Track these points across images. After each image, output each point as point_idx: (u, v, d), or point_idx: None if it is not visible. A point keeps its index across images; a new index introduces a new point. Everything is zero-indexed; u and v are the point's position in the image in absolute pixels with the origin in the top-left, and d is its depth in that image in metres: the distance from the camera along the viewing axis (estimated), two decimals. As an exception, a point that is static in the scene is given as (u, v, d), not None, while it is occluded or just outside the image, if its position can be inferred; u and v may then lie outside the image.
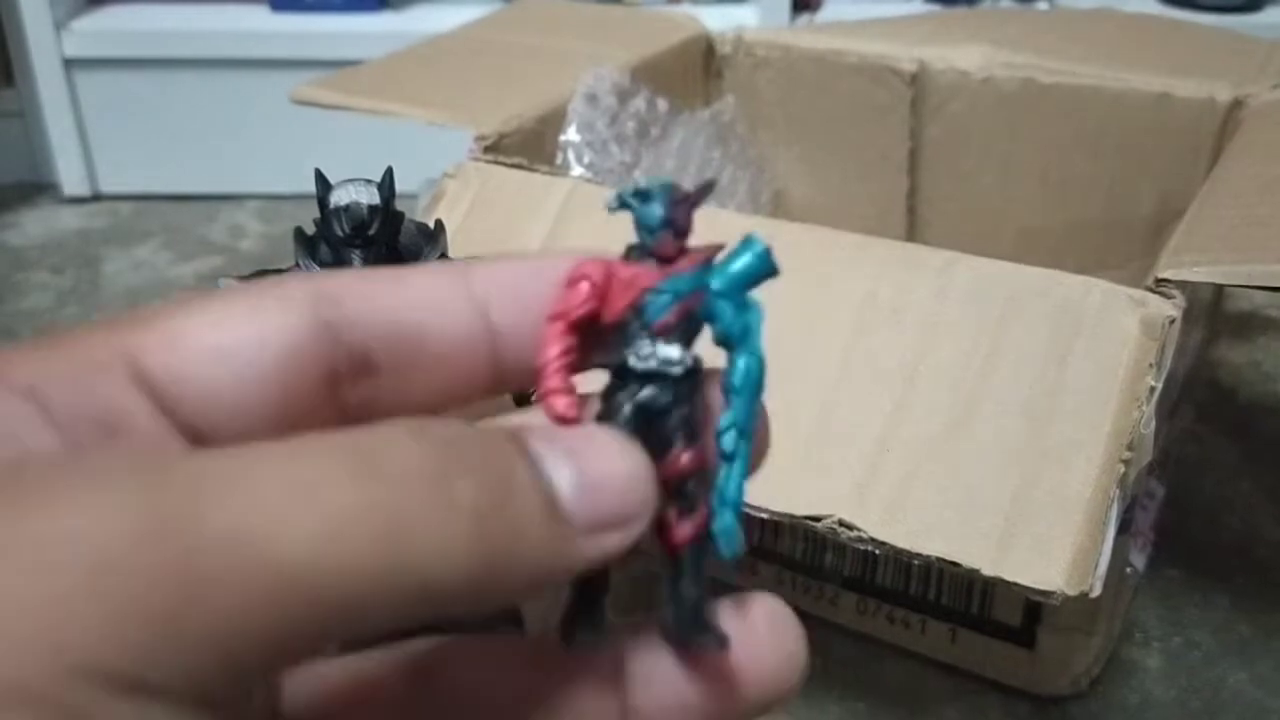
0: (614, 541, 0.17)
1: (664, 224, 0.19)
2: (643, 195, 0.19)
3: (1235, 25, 0.90)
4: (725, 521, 0.18)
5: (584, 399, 0.19)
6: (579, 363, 0.19)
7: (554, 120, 0.59)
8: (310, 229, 0.42)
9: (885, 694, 0.49)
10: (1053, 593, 0.38)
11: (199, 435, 0.18)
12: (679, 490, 0.18)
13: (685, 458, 0.18)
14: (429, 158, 0.55)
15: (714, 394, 0.19)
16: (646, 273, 0.19)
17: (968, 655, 0.49)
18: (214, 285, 0.43)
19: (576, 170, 0.59)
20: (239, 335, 0.18)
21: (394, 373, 0.19)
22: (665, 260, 0.19)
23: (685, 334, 0.19)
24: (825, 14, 0.94)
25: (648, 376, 0.18)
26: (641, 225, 0.19)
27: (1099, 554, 0.39)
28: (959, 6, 0.89)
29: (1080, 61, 0.62)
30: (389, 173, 0.41)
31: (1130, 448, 0.40)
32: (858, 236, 0.47)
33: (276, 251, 0.88)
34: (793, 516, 0.41)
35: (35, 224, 0.95)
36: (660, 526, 0.18)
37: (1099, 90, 0.61)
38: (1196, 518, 0.58)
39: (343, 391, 0.18)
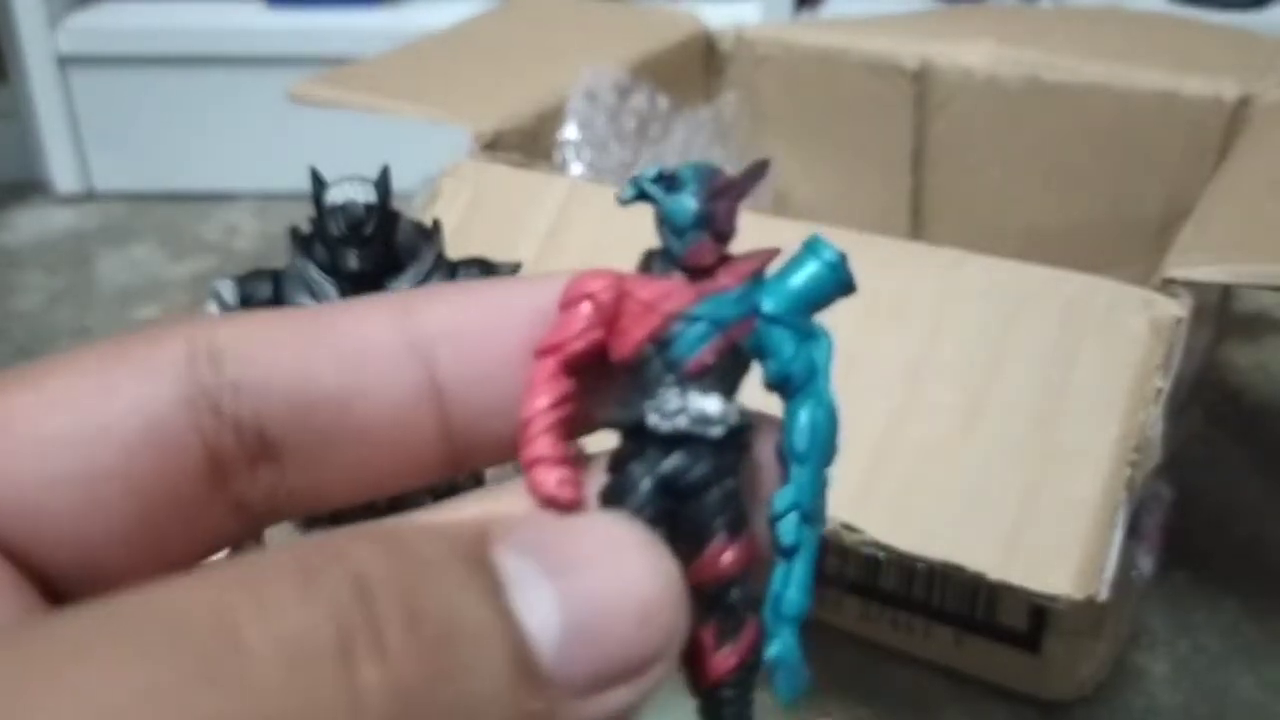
0: (621, 699, 0.12)
1: (698, 222, 0.14)
2: (668, 182, 0.14)
3: (1242, 23, 0.89)
4: (785, 644, 0.13)
5: (585, 466, 0.14)
6: (578, 418, 0.14)
7: (553, 118, 0.59)
8: (306, 228, 0.41)
9: (889, 700, 0.48)
10: (1059, 597, 0.38)
11: (35, 563, 0.13)
12: (718, 599, 0.13)
13: (728, 555, 0.13)
14: (426, 156, 0.55)
15: (765, 455, 0.14)
16: (675, 290, 0.14)
17: (972, 660, 0.48)
18: (209, 285, 0.42)
19: (576, 168, 0.58)
20: (75, 420, 0.13)
21: (305, 456, 0.14)
22: (700, 273, 0.14)
23: (727, 377, 0.14)
24: (828, 10, 0.94)
25: (676, 440, 0.13)
26: (667, 224, 0.14)
27: (1106, 558, 0.39)
28: (963, 3, 0.88)
29: (1085, 59, 0.62)
30: (386, 171, 0.40)
31: (1137, 450, 0.40)
32: (861, 235, 0.47)
33: (272, 251, 0.87)
34: (796, 520, 0.40)
35: (27, 223, 0.95)
36: (692, 653, 0.13)
37: (1104, 88, 0.61)
38: (1204, 521, 0.57)
39: (237, 483, 0.14)
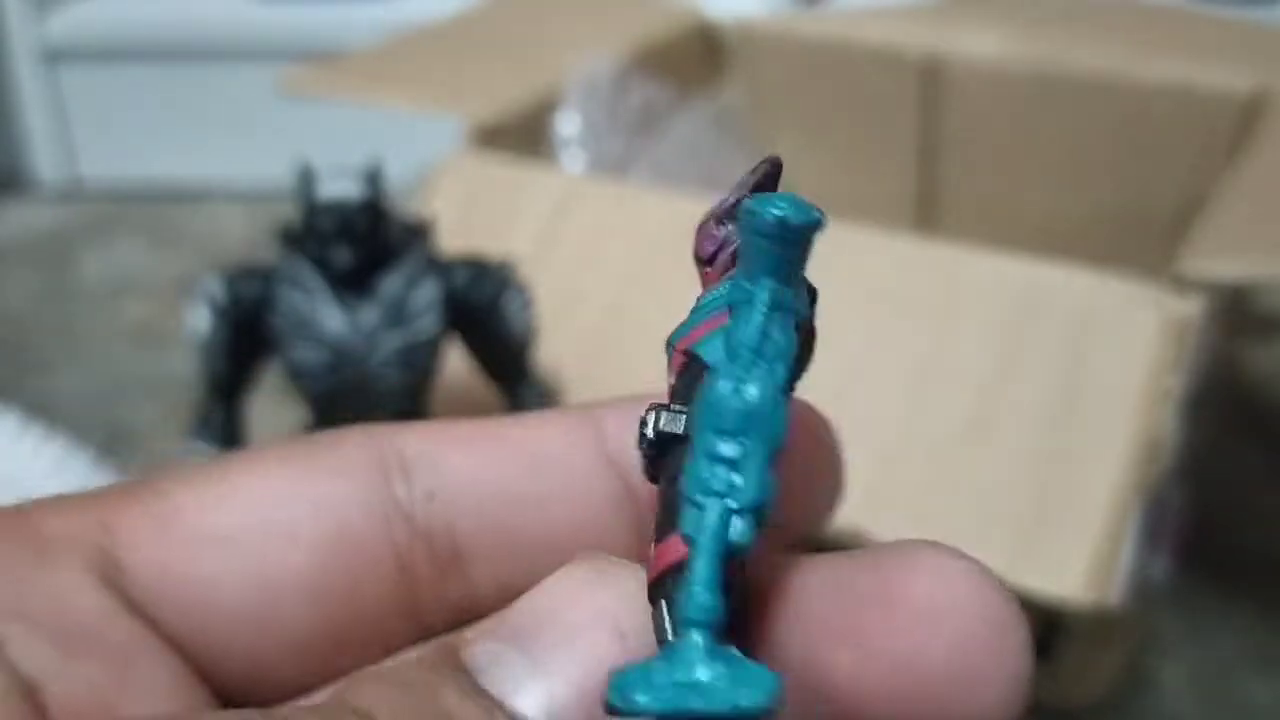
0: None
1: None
2: None
3: (1254, 17, 0.88)
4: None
5: None
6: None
7: (550, 110, 0.58)
8: (296, 225, 0.40)
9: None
10: (1070, 602, 0.37)
11: (198, 660, 0.12)
12: None
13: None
14: (419, 150, 0.54)
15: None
16: None
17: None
18: (196, 283, 0.41)
19: (574, 162, 0.57)
20: (254, 518, 0.12)
21: (495, 566, 0.13)
22: None
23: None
24: (833, 1, 0.93)
25: None
26: None
27: (1118, 562, 0.38)
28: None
29: (1096, 51, 0.61)
30: (377, 166, 0.39)
31: (1150, 452, 0.39)
32: (868, 230, 0.46)
33: (261, 247, 0.86)
34: (801, 525, 0.39)
35: (12, 219, 0.93)
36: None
37: (1116, 81, 0.60)
38: (1219, 525, 0.56)
39: (424, 596, 0.13)
